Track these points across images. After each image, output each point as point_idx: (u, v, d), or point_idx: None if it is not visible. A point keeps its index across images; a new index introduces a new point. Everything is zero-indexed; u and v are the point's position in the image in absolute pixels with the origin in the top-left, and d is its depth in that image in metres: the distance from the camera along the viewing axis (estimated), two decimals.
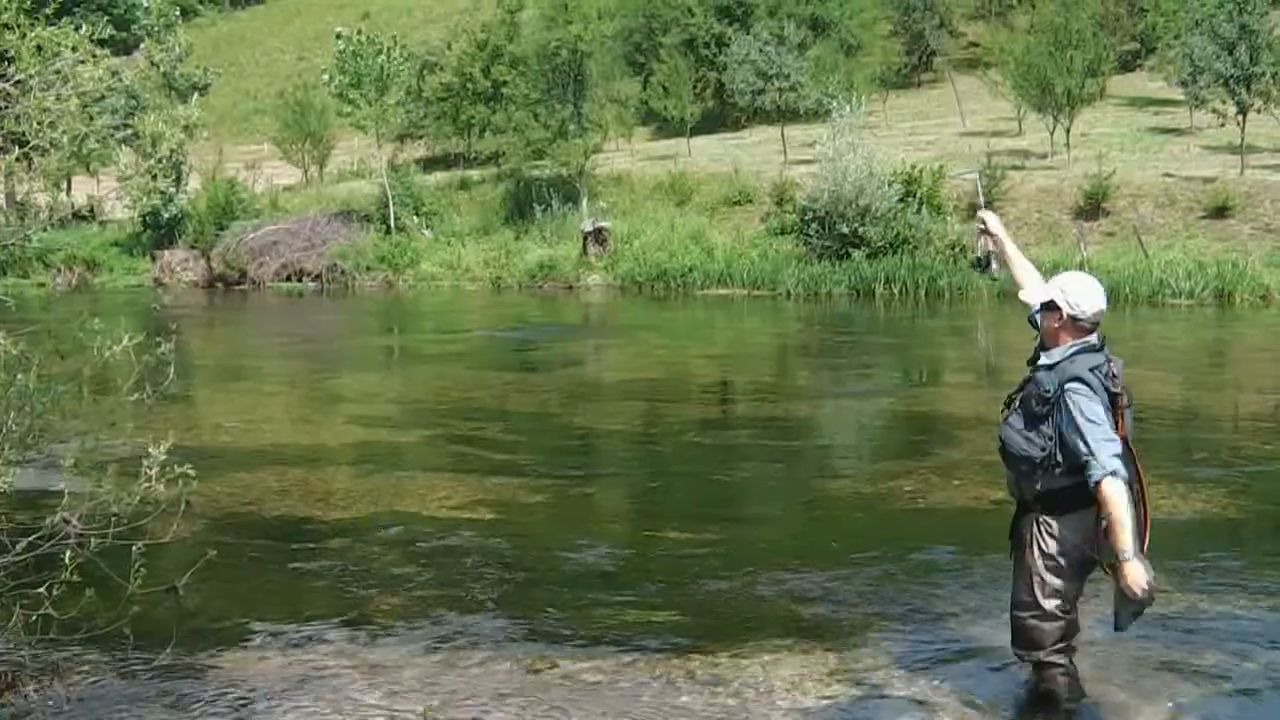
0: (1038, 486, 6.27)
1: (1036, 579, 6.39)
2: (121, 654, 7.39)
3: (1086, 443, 5.95)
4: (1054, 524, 6.30)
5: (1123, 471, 5.93)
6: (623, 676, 7.45)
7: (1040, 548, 6.35)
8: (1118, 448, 5.97)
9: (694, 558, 9.99)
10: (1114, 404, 6.10)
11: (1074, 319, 6.18)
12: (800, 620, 8.39)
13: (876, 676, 7.38)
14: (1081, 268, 29.32)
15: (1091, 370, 6.08)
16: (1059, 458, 6.13)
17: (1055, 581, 6.34)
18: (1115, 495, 5.84)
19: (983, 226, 6.96)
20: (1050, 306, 6.26)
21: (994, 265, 6.84)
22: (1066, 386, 6.08)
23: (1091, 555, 6.22)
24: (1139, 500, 6.17)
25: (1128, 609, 6.25)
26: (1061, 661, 6.49)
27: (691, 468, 13.87)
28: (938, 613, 8.46)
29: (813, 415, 17.19)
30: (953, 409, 16.83)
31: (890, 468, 13.15)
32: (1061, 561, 6.31)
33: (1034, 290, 6.55)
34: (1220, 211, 32.87)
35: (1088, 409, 6.02)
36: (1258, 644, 7.77)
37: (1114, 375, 6.13)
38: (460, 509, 11.59)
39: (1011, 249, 6.89)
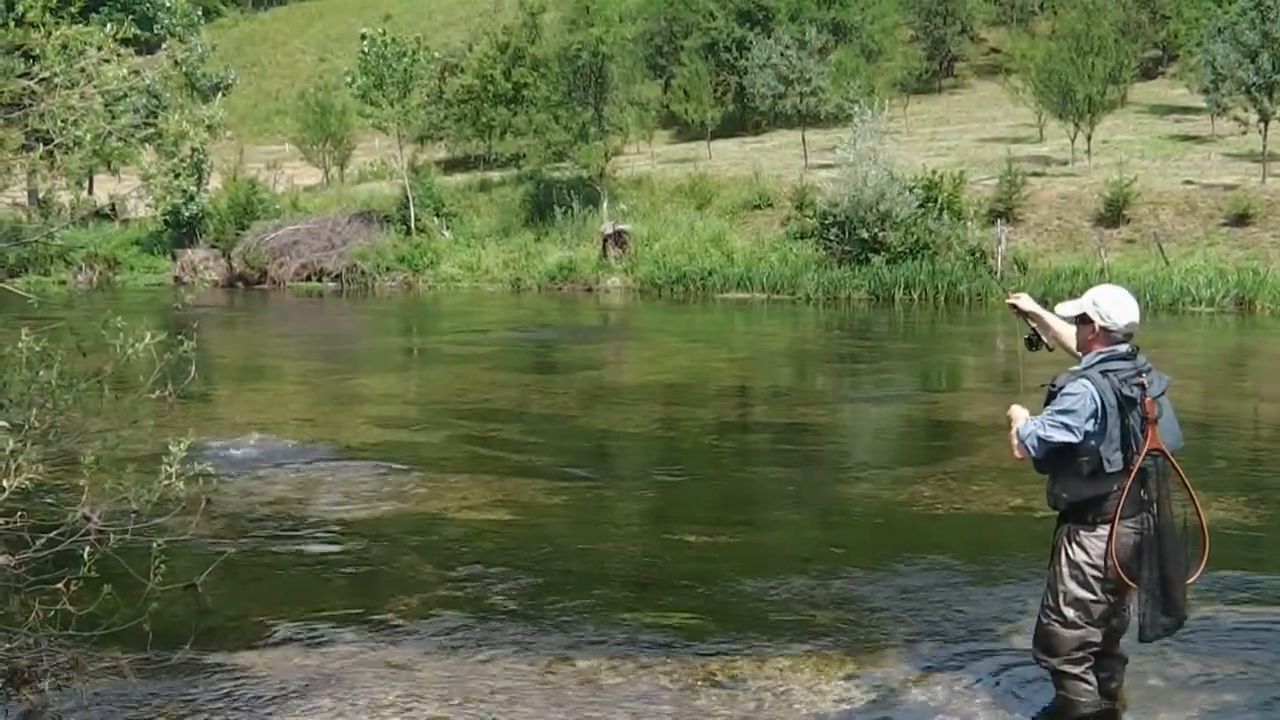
0: (1064, 495, 6.31)
1: (1061, 585, 6.40)
2: (140, 651, 7.40)
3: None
4: (1081, 535, 6.32)
5: (1031, 442, 6.25)
6: (641, 679, 7.45)
7: (1067, 556, 6.38)
8: (1050, 434, 6.18)
9: (712, 561, 10.00)
10: (1126, 410, 6.12)
11: (1106, 330, 6.24)
12: (818, 624, 8.38)
13: (894, 681, 7.37)
14: (1101, 274, 29.30)
15: (1107, 374, 6.12)
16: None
17: (1077, 591, 6.34)
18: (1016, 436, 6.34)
19: (1016, 310, 6.99)
20: (1084, 319, 6.35)
21: (1044, 339, 6.88)
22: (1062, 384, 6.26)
23: (1113, 573, 6.24)
24: (1196, 517, 6.36)
25: (1158, 624, 6.29)
26: (1076, 672, 6.47)
27: (710, 471, 13.86)
28: (955, 618, 8.44)
29: (831, 420, 17.16)
30: (972, 415, 16.79)
31: (909, 473, 13.13)
32: (1086, 572, 6.31)
33: (1074, 304, 6.55)
34: (1241, 219, 32.76)
35: (1062, 400, 6.19)
36: (1273, 653, 7.74)
37: (1135, 384, 6.14)
38: (479, 510, 11.60)
39: (1050, 318, 6.90)
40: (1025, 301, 6.94)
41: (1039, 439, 6.20)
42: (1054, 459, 6.26)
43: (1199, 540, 6.36)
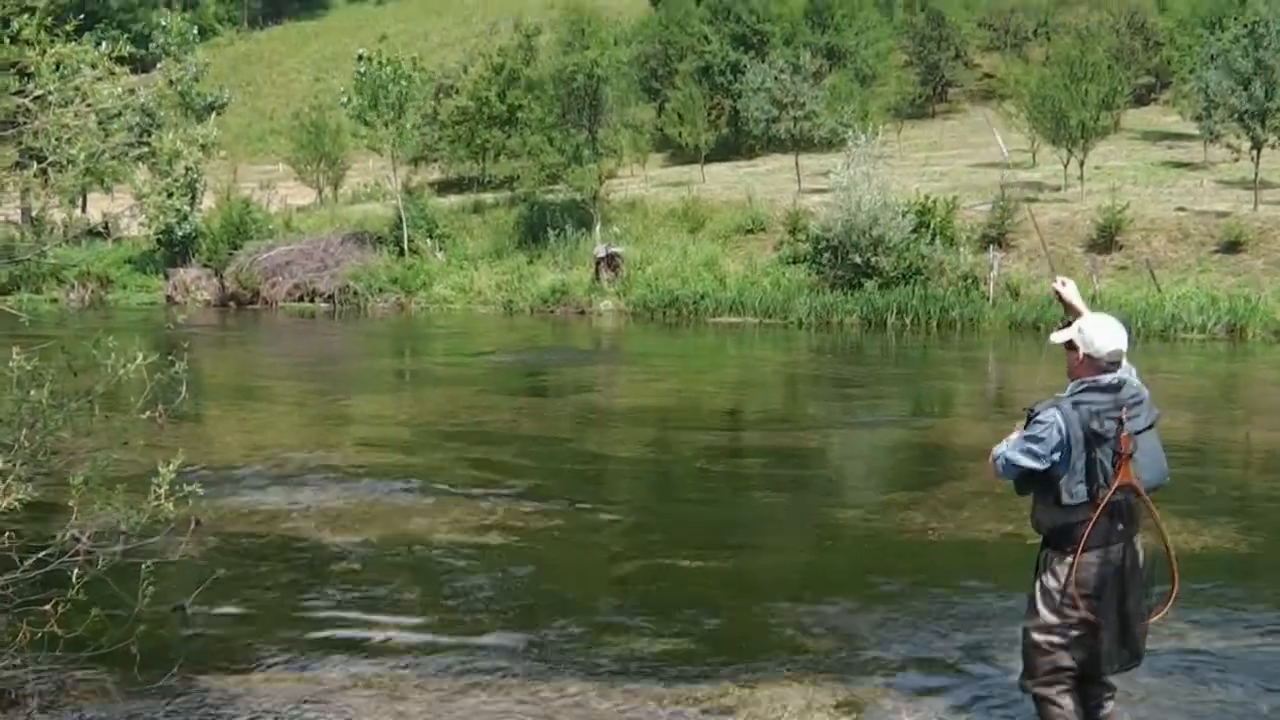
0: (1042, 521, 6.33)
1: (1036, 609, 6.41)
2: (127, 672, 7.37)
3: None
4: (1055, 561, 6.33)
5: (1000, 464, 6.32)
6: (631, 704, 7.43)
7: (1042, 581, 6.40)
8: (1017, 458, 6.22)
9: (704, 586, 9.98)
10: (1094, 444, 6.10)
11: (1090, 357, 6.24)
12: (808, 650, 8.36)
13: (884, 707, 7.35)
14: (1093, 300, 29.32)
15: (1078, 405, 6.11)
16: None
17: (1049, 616, 6.35)
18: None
19: (1059, 296, 6.90)
20: (1070, 345, 6.34)
21: None
22: (1038, 411, 6.27)
23: (1072, 602, 6.24)
24: (1166, 555, 6.28)
25: (1116, 657, 6.30)
26: (1050, 694, 6.45)
27: (702, 495, 13.84)
28: (945, 645, 8.43)
29: (823, 445, 17.15)
30: (964, 440, 16.79)
31: (900, 499, 13.12)
32: (1058, 598, 6.31)
33: (1063, 333, 6.55)
34: (1233, 246, 32.83)
35: (1032, 427, 6.21)
36: (1266, 681, 7.73)
37: (1111, 418, 6.11)
38: (470, 533, 11.58)
39: (1085, 319, 6.84)
40: (1069, 291, 6.85)
41: (1007, 460, 6.27)
42: (1029, 483, 6.30)
43: (1168, 579, 6.34)
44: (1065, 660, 6.42)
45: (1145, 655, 6.52)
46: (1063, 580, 6.27)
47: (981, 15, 63.51)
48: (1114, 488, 6.11)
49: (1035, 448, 6.15)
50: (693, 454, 16.20)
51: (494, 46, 55.30)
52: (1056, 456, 6.13)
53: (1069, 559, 6.26)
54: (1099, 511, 6.12)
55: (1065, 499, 6.17)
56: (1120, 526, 6.20)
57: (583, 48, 41.55)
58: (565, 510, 12.60)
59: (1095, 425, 6.09)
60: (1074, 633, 6.34)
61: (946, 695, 7.51)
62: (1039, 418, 6.19)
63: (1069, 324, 6.64)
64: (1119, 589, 6.23)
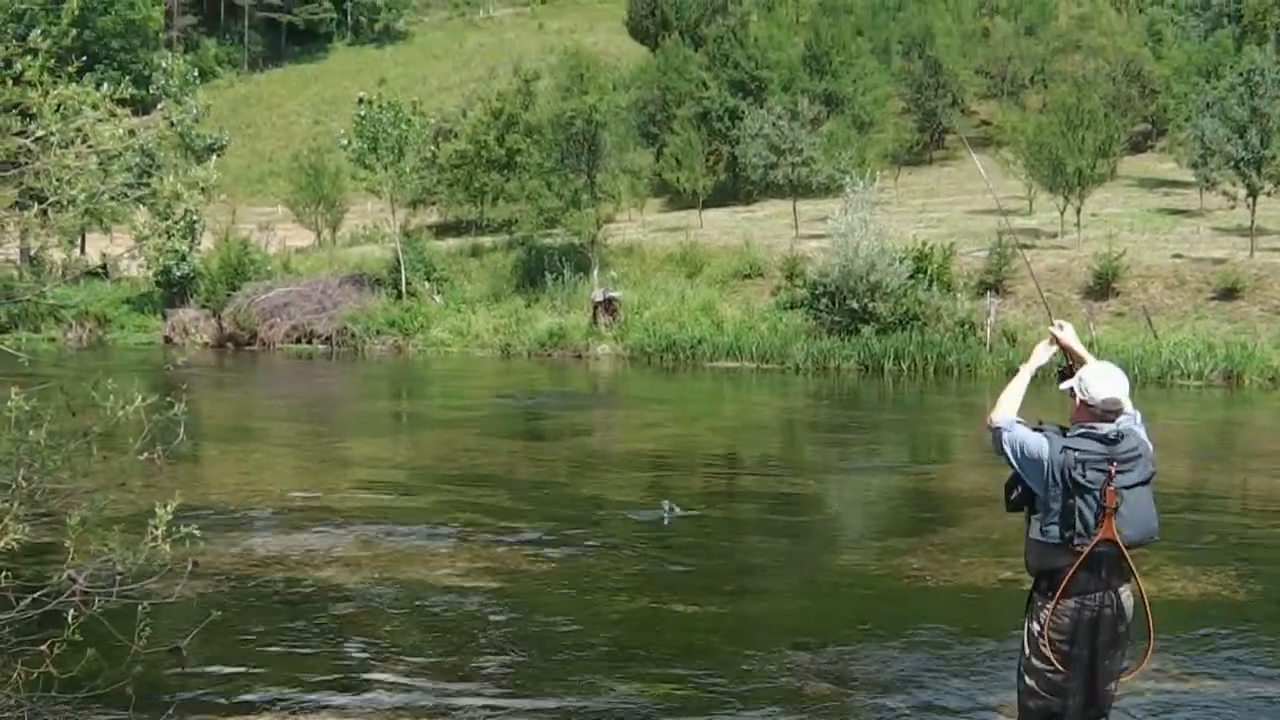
0: (1030, 561, 6.31)
1: (1022, 654, 6.40)
2: (123, 714, 7.34)
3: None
4: (1038, 605, 6.30)
5: (991, 430, 6.40)
6: None
7: (1028, 625, 6.37)
8: (1001, 436, 6.32)
9: (699, 632, 9.95)
10: (1073, 492, 6.09)
11: (1086, 404, 6.23)
12: (804, 697, 8.34)
13: None
14: (1090, 347, 29.32)
15: (1065, 450, 6.09)
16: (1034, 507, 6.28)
17: (1033, 661, 6.33)
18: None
19: (1055, 340, 6.89)
20: (1071, 392, 6.35)
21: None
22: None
23: (1044, 648, 6.22)
24: (1145, 612, 6.22)
25: (1081, 713, 6.27)
26: None
27: (698, 541, 13.80)
28: (943, 691, 8.40)
29: (820, 490, 17.13)
30: (961, 486, 16.78)
31: (897, 545, 13.09)
32: (1039, 643, 6.29)
33: (1067, 381, 6.56)
34: (1230, 293, 32.92)
35: (1031, 434, 6.25)
36: None
37: (1097, 469, 6.07)
38: (465, 576, 11.55)
39: (1088, 366, 6.80)
40: (1066, 334, 6.85)
41: (995, 425, 6.36)
42: (1015, 500, 6.34)
43: (1145, 635, 6.27)
44: (1055, 707, 6.37)
45: (1142, 699, 6.49)
46: (1042, 624, 6.26)
47: (979, 63, 63.92)
48: (1095, 540, 6.07)
49: (1017, 446, 6.24)
50: (689, 499, 16.16)
51: (493, 91, 55.59)
52: (1031, 475, 6.17)
53: (1050, 603, 6.24)
54: (1079, 561, 6.09)
55: (1034, 533, 6.17)
56: (1102, 575, 6.16)
57: (581, 93, 41.73)
58: (562, 555, 12.58)
59: (1077, 474, 6.04)
60: (1058, 678, 6.32)
61: None
62: (1039, 435, 6.22)
63: (1070, 368, 6.65)
64: (1092, 640, 6.17)
